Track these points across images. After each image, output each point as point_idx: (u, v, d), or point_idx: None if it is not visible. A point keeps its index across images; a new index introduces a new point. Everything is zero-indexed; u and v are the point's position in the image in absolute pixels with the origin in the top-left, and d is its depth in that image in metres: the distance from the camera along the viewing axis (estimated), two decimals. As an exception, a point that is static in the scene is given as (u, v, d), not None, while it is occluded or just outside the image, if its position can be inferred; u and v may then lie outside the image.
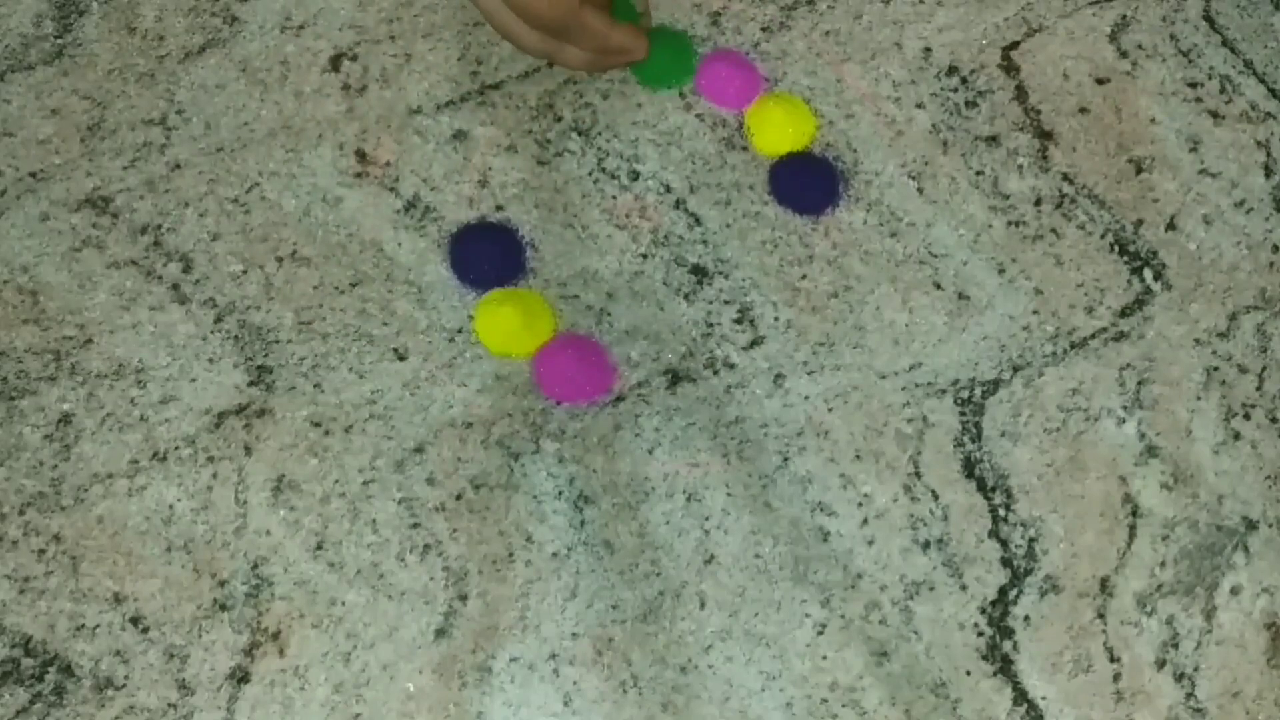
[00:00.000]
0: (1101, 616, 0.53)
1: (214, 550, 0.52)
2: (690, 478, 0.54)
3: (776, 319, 0.56)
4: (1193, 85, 0.61)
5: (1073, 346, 0.56)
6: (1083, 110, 0.60)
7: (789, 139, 0.58)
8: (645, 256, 0.57)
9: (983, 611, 0.53)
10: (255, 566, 0.52)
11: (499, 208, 0.58)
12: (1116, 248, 0.58)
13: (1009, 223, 0.58)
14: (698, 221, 0.58)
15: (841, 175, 0.58)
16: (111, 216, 0.57)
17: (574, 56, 0.56)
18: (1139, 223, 0.58)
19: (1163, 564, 0.54)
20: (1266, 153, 0.60)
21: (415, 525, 0.53)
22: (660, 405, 0.55)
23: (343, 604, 0.52)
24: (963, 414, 0.55)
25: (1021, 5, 0.62)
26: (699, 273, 0.57)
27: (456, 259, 0.56)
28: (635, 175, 0.58)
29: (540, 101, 0.59)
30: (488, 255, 0.56)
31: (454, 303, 0.56)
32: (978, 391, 0.55)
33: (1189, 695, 0.52)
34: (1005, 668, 0.52)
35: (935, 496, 0.54)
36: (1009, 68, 0.61)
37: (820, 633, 0.52)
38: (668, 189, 0.58)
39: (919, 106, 0.60)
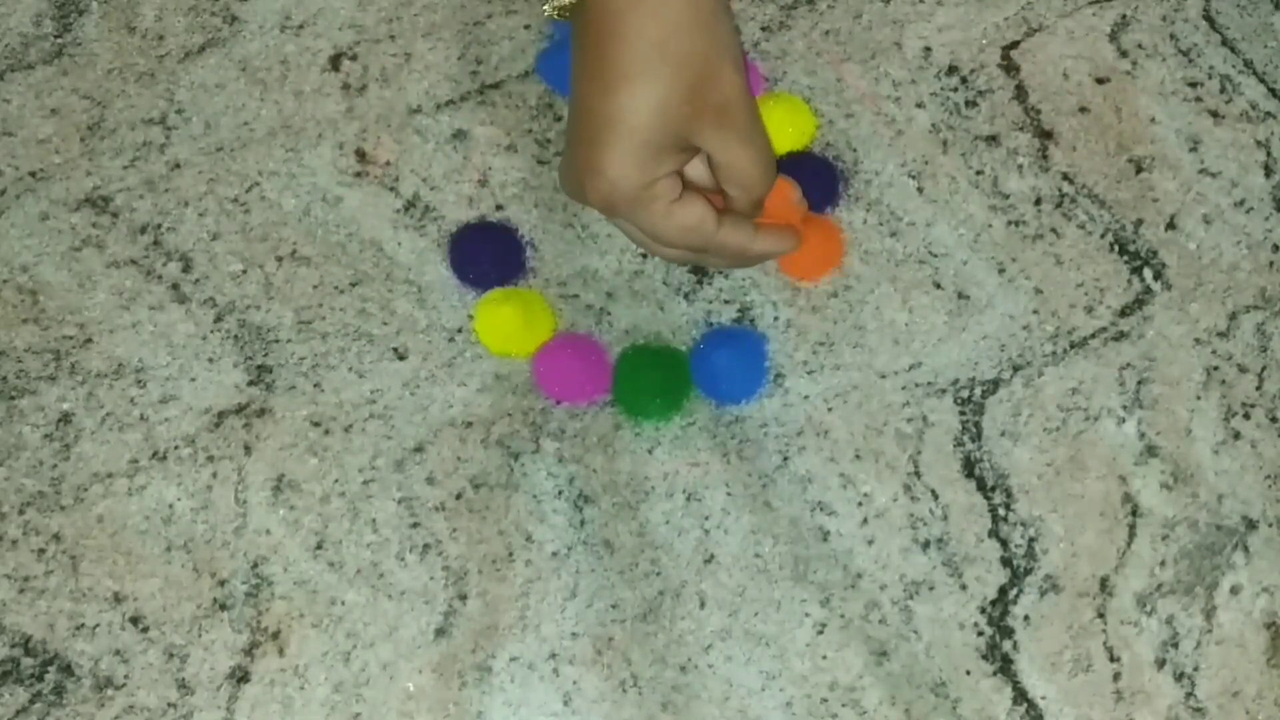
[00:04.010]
0: (1101, 616, 0.53)
1: (214, 550, 0.52)
2: (690, 477, 0.54)
3: (776, 319, 0.56)
4: (1193, 85, 0.61)
5: (1073, 346, 0.56)
6: (1083, 110, 0.60)
7: (789, 138, 0.58)
8: (645, 256, 0.57)
9: (983, 611, 0.53)
10: (255, 566, 0.52)
11: (499, 207, 0.58)
12: (1116, 247, 0.58)
13: (1009, 222, 0.58)
14: (698, 221, 0.58)
15: (841, 175, 0.58)
16: (111, 216, 0.57)
17: (720, 263, 0.54)
18: (1139, 222, 0.58)
19: (1163, 564, 0.54)
20: (1266, 152, 0.60)
21: (415, 525, 0.53)
22: (660, 405, 0.55)
23: (343, 604, 0.52)
24: (963, 414, 0.55)
25: (1021, 5, 0.62)
26: (699, 272, 0.57)
27: (456, 258, 0.56)
28: (635, 175, 0.58)
29: (540, 101, 0.59)
30: (488, 255, 0.56)
31: (454, 302, 0.56)
32: (978, 391, 0.56)
33: (1189, 695, 0.52)
34: (1005, 667, 0.52)
35: (935, 496, 0.54)
36: (1009, 67, 0.61)
37: (820, 632, 0.52)
38: (668, 189, 0.58)
39: (919, 106, 0.60)
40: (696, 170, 0.51)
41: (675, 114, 0.46)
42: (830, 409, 0.55)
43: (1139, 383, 0.56)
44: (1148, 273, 0.58)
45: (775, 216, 0.53)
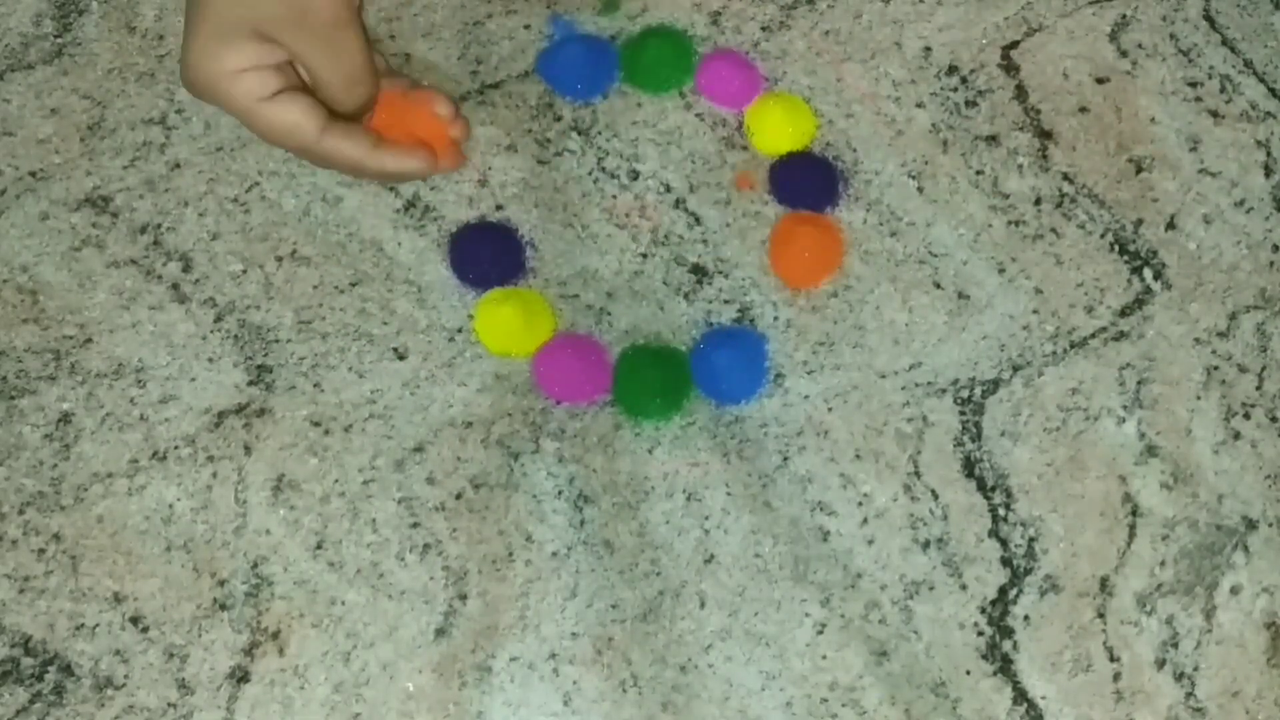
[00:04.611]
0: (1101, 616, 0.53)
1: (214, 550, 0.52)
2: (690, 477, 0.54)
3: (776, 319, 0.56)
4: (1193, 85, 0.61)
5: (1073, 346, 0.56)
6: (1083, 110, 0.60)
7: (789, 138, 0.58)
8: (645, 256, 0.57)
9: (982, 611, 0.53)
10: (255, 566, 0.52)
11: (499, 207, 0.58)
12: (1116, 247, 0.58)
13: (1009, 222, 0.58)
14: (697, 221, 0.58)
15: (841, 175, 0.58)
16: (111, 216, 0.57)
17: (351, 173, 0.54)
18: (1139, 222, 0.58)
19: (1163, 563, 0.54)
20: (1266, 152, 0.60)
21: (415, 525, 0.53)
22: (660, 405, 0.55)
23: (343, 604, 0.52)
24: (963, 413, 0.55)
25: (1021, 5, 0.62)
26: (699, 272, 0.57)
27: (456, 258, 0.56)
28: (635, 175, 0.58)
29: (540, 101, 0.59)
30: (488, 255, 0.56)
31: (454, 302, 0.56)
32: (978, 391, 0.56)
33: (1189, 695, 0.52)
34: (1005, 667, 0.52)
35: (935, 496, 0.54)
36: (1009, 67, 0.61)
37: (820, 632, 0.52)
38: (667, 188, 0.58)
39: (919, 106, 0.60)
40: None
41: (246, 4, 0.48)
42: (830, 409, 0.55)
43: (1139, 383, 0.56)
44: (1148, 273, 0.58)
45: (424, 132, 0.54)
